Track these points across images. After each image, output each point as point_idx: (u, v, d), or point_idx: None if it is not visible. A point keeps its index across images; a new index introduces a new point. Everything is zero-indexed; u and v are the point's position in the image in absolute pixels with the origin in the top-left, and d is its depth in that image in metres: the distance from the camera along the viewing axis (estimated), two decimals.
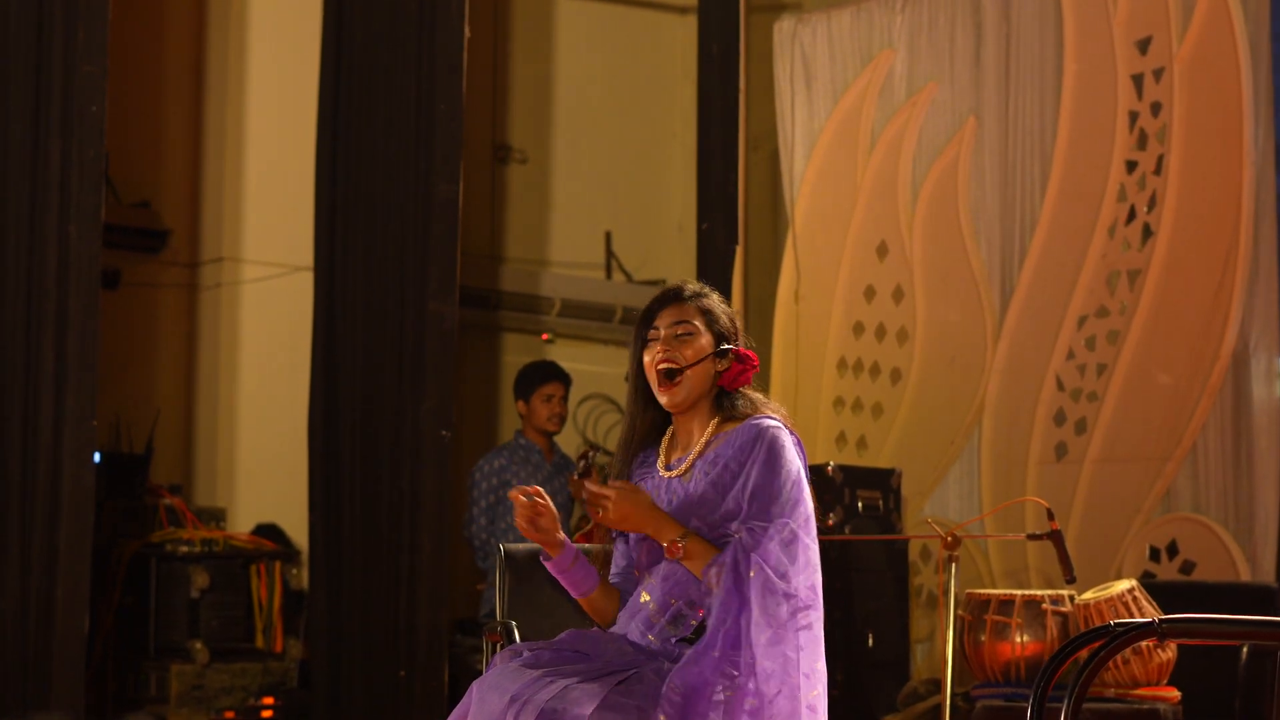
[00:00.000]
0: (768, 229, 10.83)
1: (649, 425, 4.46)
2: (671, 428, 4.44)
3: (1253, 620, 4.23)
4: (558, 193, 11.59)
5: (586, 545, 4.55)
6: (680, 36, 11.42)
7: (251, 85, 10.36)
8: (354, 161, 8.79)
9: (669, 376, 4.28)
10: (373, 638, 8.40)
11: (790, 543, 4.17)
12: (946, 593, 6.11)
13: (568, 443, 10.07)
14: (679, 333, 4.31)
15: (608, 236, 11.58)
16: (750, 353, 4.36)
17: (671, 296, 4.39)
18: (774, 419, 4.32)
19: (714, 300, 4.40)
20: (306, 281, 9.15)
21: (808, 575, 4.18)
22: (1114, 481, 8.27)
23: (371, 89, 8.77)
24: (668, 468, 4.38)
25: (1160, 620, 4.07)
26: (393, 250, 8.65)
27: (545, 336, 11.20)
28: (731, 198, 9.38)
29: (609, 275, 11.56)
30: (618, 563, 4.47)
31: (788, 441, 4.31)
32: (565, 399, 8.72)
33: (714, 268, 9.30)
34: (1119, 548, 8.17)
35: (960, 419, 8.87)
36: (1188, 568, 8.03)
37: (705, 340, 4.32)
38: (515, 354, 11.00)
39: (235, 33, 10.40)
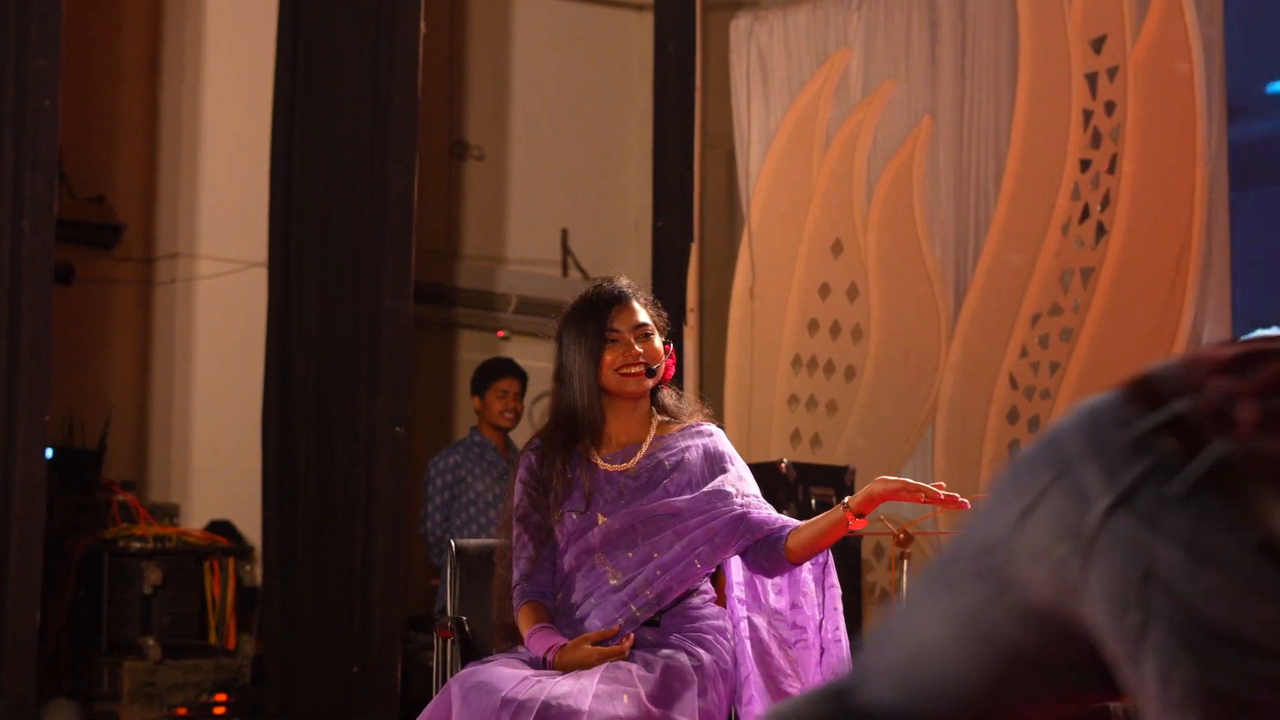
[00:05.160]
0: (724, 227, 10.84)
1: (587, 418, 4.56)
2: (607, 417, 4.56)
3: None
4: (514, 189, 11.58)
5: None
6: (638, 34, 11.42)
7: (207, 80, 10.33)
8: (309, 157, 8.78)
9: (650, 374, 4.50)
10: (326, 634, 8.39)
11: None
12: (899, 590, 6.12)
13: (523, 439, 10.06)
14: (644, 333, 4.49)
15: (564, 234, 11.59)
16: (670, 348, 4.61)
17: (623, 297, 4.55)
18: (711, 421, 4.56)
19: (648, 295, 4.62)
20: (262, 277, 9.14)
21: None
22: None
23: (327, 84, 8.76)
24: (608, 459, 4.50)
25: None
26: (348, 246, 8.65)
27: (501, 333, 11.20)
28: (687, 196, 9.40)
29: (565, 272, 11.56)
30: (539, 578, 4.51)
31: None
32: (520, 395, 8.72)
33: (669, 265, 9.32)
34: None
35: (914, 417, 8.90)
36: None
37: (659, 337, 4.54)
38: (471, 350, 10.99)
39: (191, 27, 10.37)
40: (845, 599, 8.12)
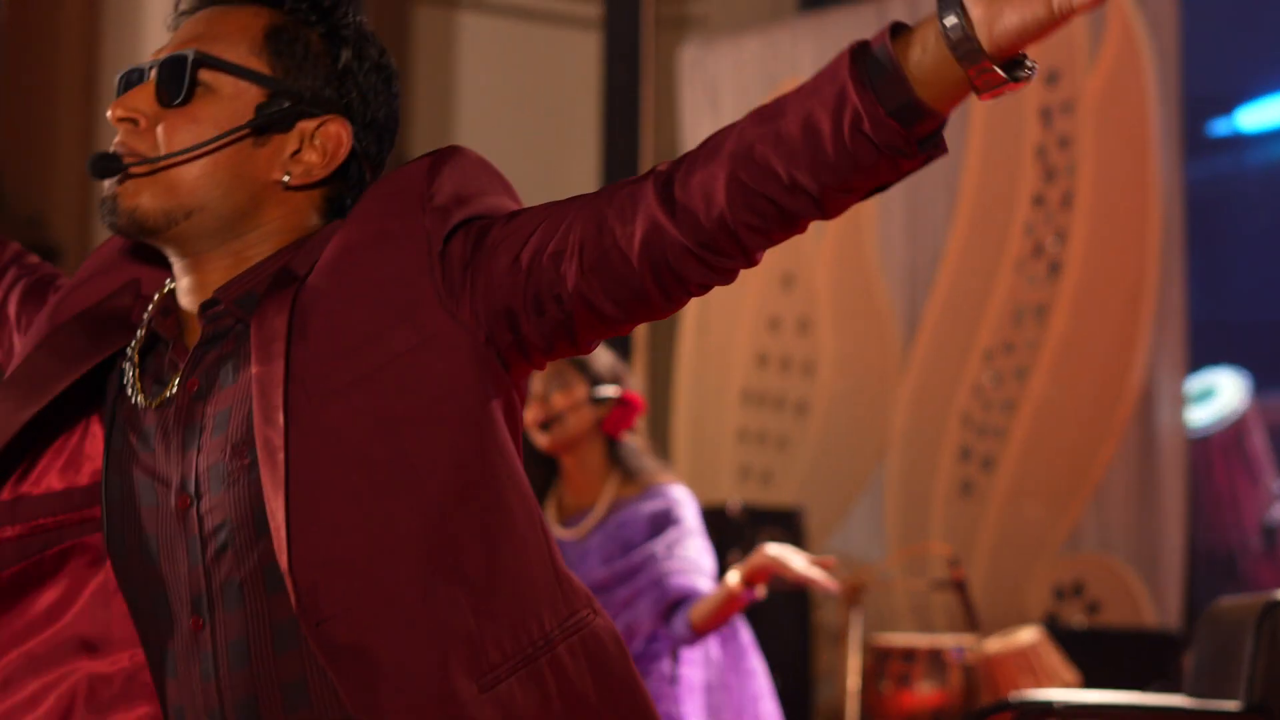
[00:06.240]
0: None
1: (537, 481, 4.41)
2: (559, 479, 4.40)
3: (1147, 706, 4.17)
4: None
5: None
6: (590, 53, 11.26)
7: None
8: None
9: (543, 428, 4.31)
10: None
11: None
12: (849, 638, 6.06)
13: None
14: (551, 382, 4.32)
15: None
16: (633, 396, 4.34)
17: None
18: (677, 485, 4.34)
19: None
20: None
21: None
22: (1020, 519, 8.22)
23: None
24: (564, 524, 4.34)
25: (1056, 704, 4.03)
26: None
27: None
28: None
29: None
30: None
31: (695, 512, 4.34)
32: None
33: None
34: (1025, 587, 8.12)
35: (866, 453, 8.80)
36: (1094, 607, 7.98)
37: (580, 387, 4.33)
38: None
39: (129, 45, 10.21)
40: (794, 641, 8.00)
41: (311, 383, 2.03)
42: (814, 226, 7.58)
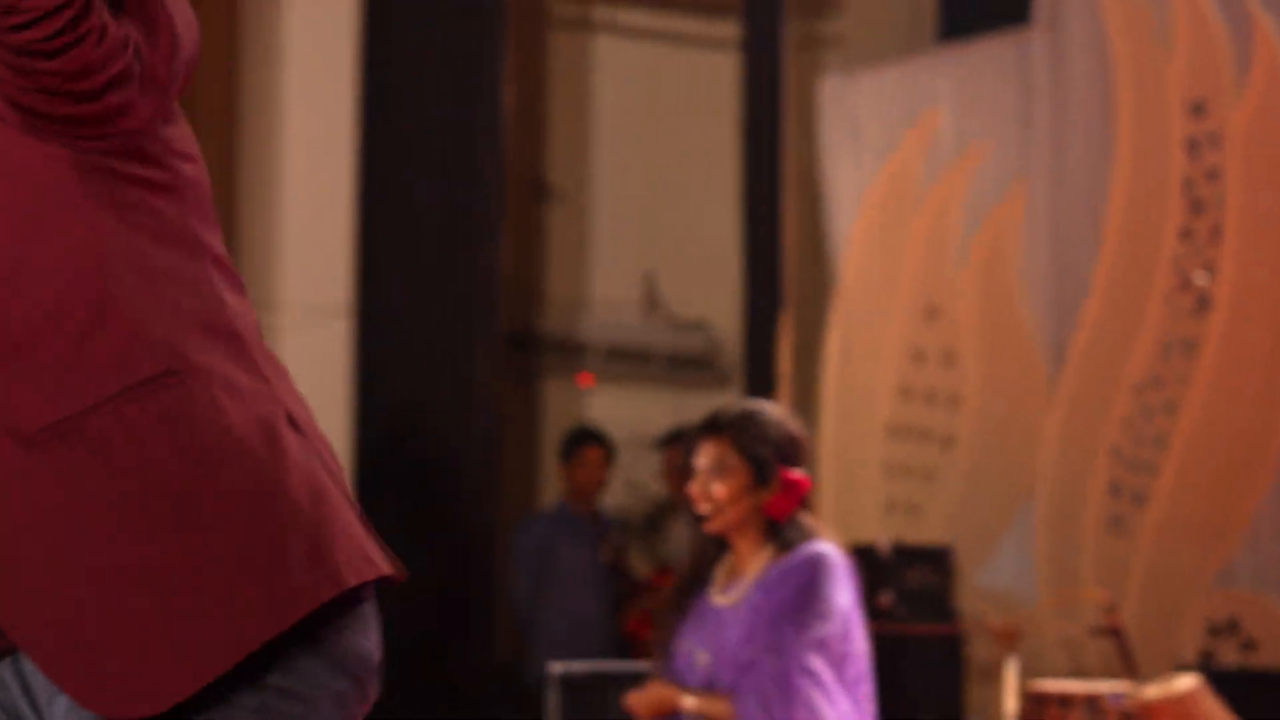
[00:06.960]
0: (817, 284, 10.60)
1: (709, 550, 4.48)
2: (730, 550, 4.47)
3: None
4: (597, 231, 11.41)
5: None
6: (726, 75, 11.20)
7: (286, 129, 10.19)
8: (389, 203, 8.71)
9: (700, 520, 4.37)
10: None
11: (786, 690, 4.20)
12: (1006, 682, 6.05)
13: (610, 494, 9.86)
14: (713, 467, 4.28)
15: (650, 277, 11.38)
16: (795, 477, 4.33)
17: (709, 428, 4.41)
18: (821, 542, 4.36)
19: (758, 423, 4.39)
20: (343, 330, 9.09)
21: None
22: (1172, 556, 8.11)
23: (406, 140, 8.68)
24: (724, 591, 4.41)
25: None
26: (432, 304, 8.57)
27: (586, 382, 11.01)
28: (775, 248, 9.18)
29: (650, 318, 11.35)
30: None
31: (838, 568, 4.32)
32: (605, 463, 8.67)
33: (760, 317, 9.10)
34: (1177, 624, 8.02)
35: (1013, 488, 8.71)
36: (1250, 645, 7.86)
37: (741, 475, 4.32)
38: (555, 398, 10.86)
39: (269, 70, 10.24)
40: (945, 681, 7.95)
41: None
42: (955, 256, 7.47)
